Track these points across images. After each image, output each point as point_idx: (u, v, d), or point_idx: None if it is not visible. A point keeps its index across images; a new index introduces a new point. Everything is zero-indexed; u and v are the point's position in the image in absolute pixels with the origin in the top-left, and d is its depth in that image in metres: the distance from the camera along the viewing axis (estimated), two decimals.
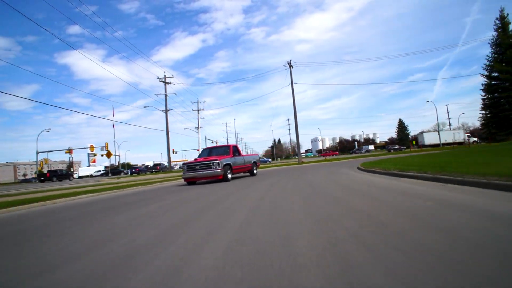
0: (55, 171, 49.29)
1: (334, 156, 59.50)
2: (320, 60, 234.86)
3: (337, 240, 2.27)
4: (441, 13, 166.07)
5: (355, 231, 2.50)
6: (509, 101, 35.09)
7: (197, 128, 48.56)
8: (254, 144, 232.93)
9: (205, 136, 64.39)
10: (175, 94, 57.84)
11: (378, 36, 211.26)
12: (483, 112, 41.51)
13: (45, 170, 53.07)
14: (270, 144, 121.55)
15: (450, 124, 67.37)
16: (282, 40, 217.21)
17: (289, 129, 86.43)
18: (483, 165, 6.08)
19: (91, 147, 57.50)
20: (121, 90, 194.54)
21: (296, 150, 42.16)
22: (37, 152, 51.91)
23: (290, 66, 32.67)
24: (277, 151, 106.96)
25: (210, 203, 5.34)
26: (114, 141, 77.79)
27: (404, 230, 2.39)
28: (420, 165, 8.47)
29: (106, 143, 51.19)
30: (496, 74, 37.19)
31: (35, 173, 67.05)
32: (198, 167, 11.44)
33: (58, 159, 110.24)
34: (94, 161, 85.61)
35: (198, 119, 49.36)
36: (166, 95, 36.94)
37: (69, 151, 54.17)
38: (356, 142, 75.75)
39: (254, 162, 14.51)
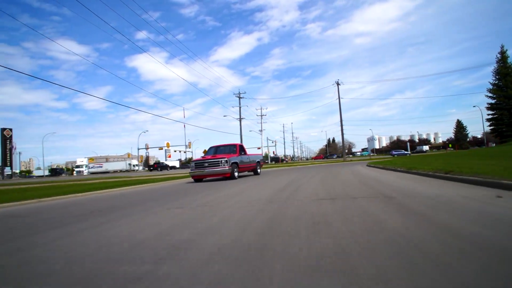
0: (159, 162, 65.02)
1: (321, 160, 65.42)
2: (381, 53, 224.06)
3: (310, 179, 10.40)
4: None
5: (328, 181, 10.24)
6: (502, 117, 49.29)
7: (260, 131, 59.45)
8: (309, 143, 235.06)
9: (267, 138, 75.29)
10: (247, 106, 70.01)
11: (446, 25, 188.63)
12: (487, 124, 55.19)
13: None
14: (325, 142, 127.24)
15: None
16: (339, 35, 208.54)
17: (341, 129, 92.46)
18: None
19: (167, 144, 72.23)
20: (181, 90, 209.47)
21: (343, 150, 50.54)
22: (138, 149, 68.25)
23: (338, 84, 40.86)
24: (331, 150, 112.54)
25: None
26: (187, 141, 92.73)
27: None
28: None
29: (190, 142, 65.08)
30: (495, 96, 50.57)
31: (130, 164, 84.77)
32: (206, 164, 11.41)
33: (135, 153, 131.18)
34: (169, 156, 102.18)
35: (261, 123, 60.12)
36: (240, 107, 48.27)
37: (161, 148, 69.76)
38: (408, 143, 77.51)
39: (258, 162, 14.70)
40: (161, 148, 66.34)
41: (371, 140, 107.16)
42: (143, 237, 2.79)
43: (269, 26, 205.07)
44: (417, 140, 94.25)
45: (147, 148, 72.20)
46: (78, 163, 74.79)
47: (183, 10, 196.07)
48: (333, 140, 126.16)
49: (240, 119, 47.01)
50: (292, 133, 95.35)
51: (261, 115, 58.60)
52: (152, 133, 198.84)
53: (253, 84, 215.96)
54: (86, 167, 68.98)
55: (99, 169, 68.83)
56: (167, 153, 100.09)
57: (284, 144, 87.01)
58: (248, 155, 13.92)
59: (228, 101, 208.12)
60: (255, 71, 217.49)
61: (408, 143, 75.64)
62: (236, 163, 11.74)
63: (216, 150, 13.48)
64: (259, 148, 69.37)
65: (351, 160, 39.07)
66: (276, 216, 3.38)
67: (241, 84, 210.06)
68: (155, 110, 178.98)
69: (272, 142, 73.42)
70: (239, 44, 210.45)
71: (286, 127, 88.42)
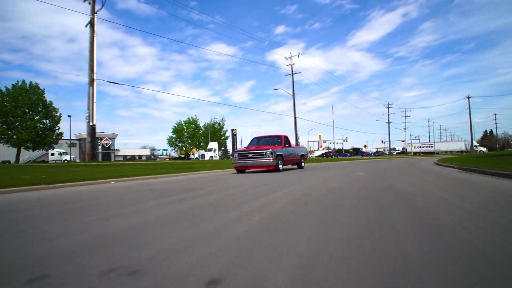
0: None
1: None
2: None
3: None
4: None
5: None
6: None
7: (404, 129, 76.60)
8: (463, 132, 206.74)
9: (410, 134, 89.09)
10: (394, 113, 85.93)
11: None
12: None
13: None
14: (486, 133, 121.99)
15: None
16: None
17: (495, 123, 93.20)
18: None
19: (319, 136, 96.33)
20: (315, 79, 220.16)
21: (471, 147, 61.97)
22: (308, 141, 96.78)
23: (468, 98, 52.99)
24: (486, 142, 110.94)
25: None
26: (335, 135, 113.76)
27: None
28: None
29: (346, 137, 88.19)
30: None
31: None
32: (250, 155, 10.98)
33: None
34: (321, 146, 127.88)
35: (405, 122, 76.86)
36: (388, 115, 67.83)
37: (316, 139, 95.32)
38: None
39: (302, 155, 13.74)
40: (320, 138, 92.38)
41: None
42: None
43: None
44: None
45: (298, 138, 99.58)
46: (209, 147, 75.54)
47: None
48: (490, 132, 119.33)
49: (389, 122, 66.78)
50: (437, 125, 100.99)
51: (405, 116, 75.59)
52: (289, 122, 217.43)
53: (396, 67, 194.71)
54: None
55: None
56: (319, 144, 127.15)
57: (429, 137, 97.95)
58: (293, 147, 13.09)
59: (368, 87, 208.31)
60: (399, 52, 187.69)
61: None
62: (281, 155, 11.15)
63: (260, 141, 12.91)
64: (403, 141, 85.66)
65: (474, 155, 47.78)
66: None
67: (382, 67, 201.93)
68: (291, 101, 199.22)
69: (416, 138, 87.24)
70: (380, 24, 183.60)
71: (438, 113, 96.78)
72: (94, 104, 16.61)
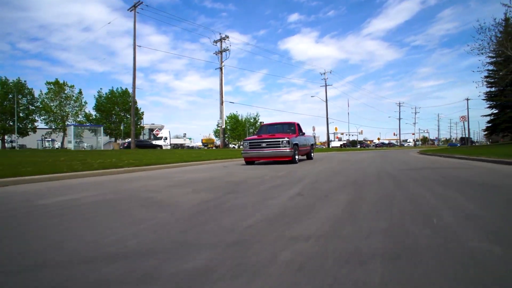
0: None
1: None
2: None
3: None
4: None
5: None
6: None
7: (414, 124, 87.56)
8: (473, 126, 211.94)
9: (418, 129, 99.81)
10: (404, 111, 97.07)
11: None
12: None
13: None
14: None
15: None
16: None
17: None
18: None
19: (336, 128, 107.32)
20: (330, 68, 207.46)
21: (468, 139, 72.81)
22: (329, 132, 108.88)
23: (467, 100, 62.76)
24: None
25: None
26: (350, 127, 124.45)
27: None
28: None
29: (362, 130, 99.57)
30: None
31: None
32: (263, 145, 9.88)
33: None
34: (337, 138, 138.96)
35: (414, 118, 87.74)
36: (399, 112, 78.93)
37: (335, 131, 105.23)
38: None
39: (311, 145, 13.30)
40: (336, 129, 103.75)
41: None
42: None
43: None
44: None
45: (313, 130, 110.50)
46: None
47: None
48: None
49: (399, 118, 78.27)
50: (447, 119, 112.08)
51: (415, 112, 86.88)
52: (301, 111, 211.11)
53: (413, 56, 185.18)
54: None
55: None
56: (335, 135, 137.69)
57: (438, 131, 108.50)
58: (304, 136, 12.26)
59: (383, 77, 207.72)
60: (416, 40, 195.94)
61: None
62: (297, 144, 10.33)
63: (269, 129, 12.05)
64: (413, 134, 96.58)
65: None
66: None
67: (398, 56, 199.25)
68: (304, 90, 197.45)
69: (424, 131, 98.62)
70: (397, 12, 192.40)
71: (451, 106, 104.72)
72: (224, 117, 29.50)
